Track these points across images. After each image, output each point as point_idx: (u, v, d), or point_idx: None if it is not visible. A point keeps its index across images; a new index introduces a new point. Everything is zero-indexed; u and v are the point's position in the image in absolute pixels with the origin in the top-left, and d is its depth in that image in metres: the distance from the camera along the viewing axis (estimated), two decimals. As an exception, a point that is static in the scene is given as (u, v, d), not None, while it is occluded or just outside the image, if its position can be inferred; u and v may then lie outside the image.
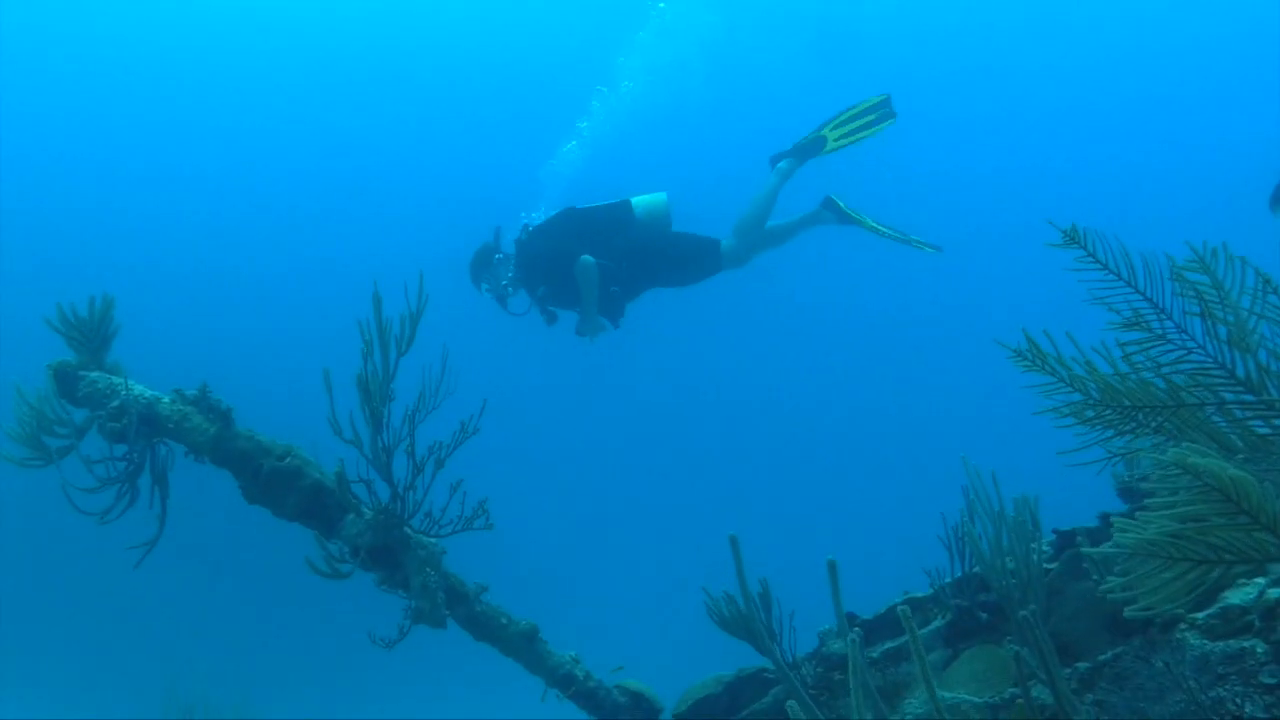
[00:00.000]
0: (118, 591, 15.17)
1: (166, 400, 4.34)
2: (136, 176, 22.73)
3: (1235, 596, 3.03)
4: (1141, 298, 2.06)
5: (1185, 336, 2.04)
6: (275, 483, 4.19)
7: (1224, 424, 2.01)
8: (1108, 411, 2.06)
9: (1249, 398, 1.92)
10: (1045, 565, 3.58)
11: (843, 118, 7.41)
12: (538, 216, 7.19)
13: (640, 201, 7.14)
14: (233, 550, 15.97)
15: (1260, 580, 3.02)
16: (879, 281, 25.11)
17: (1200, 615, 3.09)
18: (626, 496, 23.55)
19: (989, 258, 23.34)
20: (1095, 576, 3.33)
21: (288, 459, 4.22)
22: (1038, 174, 23.49)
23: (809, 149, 7.39)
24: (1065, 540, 3.82)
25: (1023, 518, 3.35)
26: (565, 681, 4.74)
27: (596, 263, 6.78)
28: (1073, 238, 2.05)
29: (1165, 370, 2.03)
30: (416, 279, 4.63)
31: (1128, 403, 1.99)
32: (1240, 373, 1.94)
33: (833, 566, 2.54)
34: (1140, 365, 2.05)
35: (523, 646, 4.66)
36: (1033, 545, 3.42)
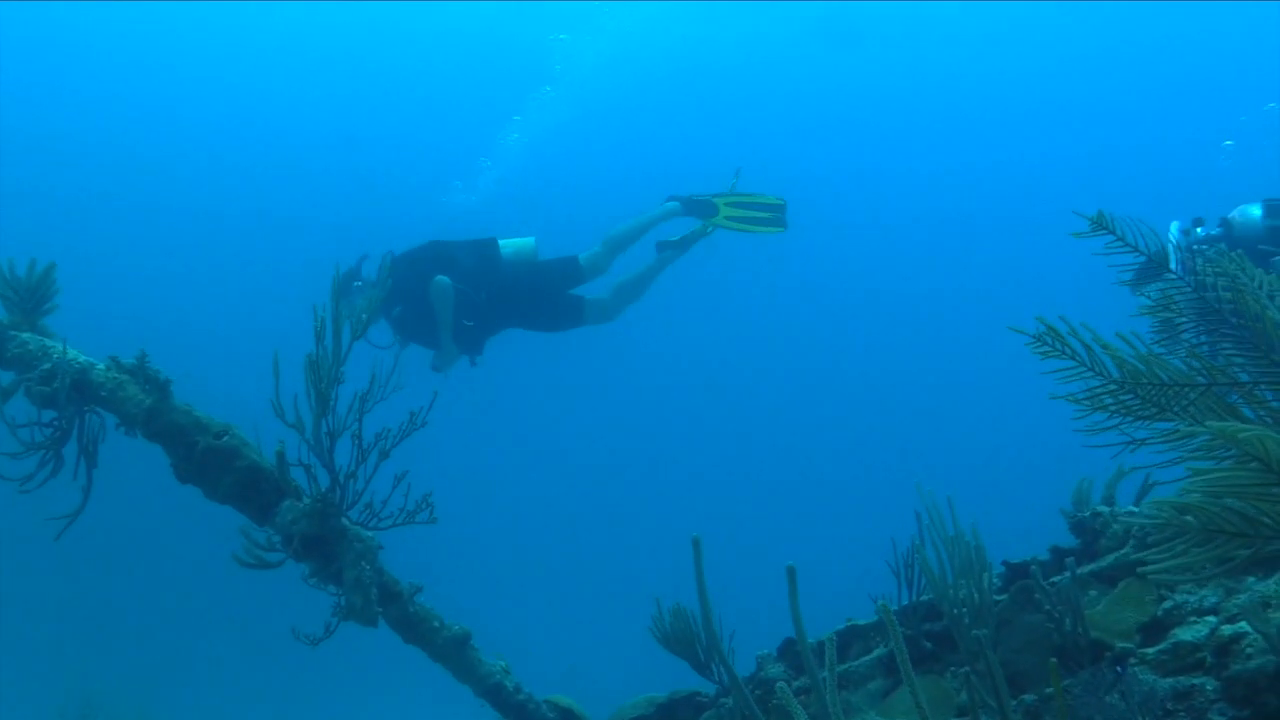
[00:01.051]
0: (16, 587, 14.61)
1: (101, 367, 4.16)
2: (83, 149, 22.20)
3: (1186, 633, 3.01)
4: (1175, 277, 2.02)
5: (1218, 318, 2.01)
6: (210, 461, 4.02)
7: (1250, 412, 1.98)
8: (1127, 396, 2.02)
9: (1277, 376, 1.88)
10: (994, 596, 3.54)
11: (742, 199, 7.49)
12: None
13: (508, 243, 7.14)
14: (144, 543, 15.50)
15: (1212, 618, 3.00)
16: (844, 294, 25.34)
17: (1151, 650, 3.06)
18: (584, 501, 23.31)
19: (966, 271, 23.64)
20: (1047, 607, 3.30)
21: (225, 437, 4.06)
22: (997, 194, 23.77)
23: (700, 208, 7.44)
24: (1015, 572, 3.80)
25: (976, 544, 3.31)
26: (494, 691, 4.60)
27: (454, 287, 6.69)
28: (1100, 223, 2.02)
29: (1197, 349, 2.00)
30: (381, 265, 4.51)
31: (1161, 378, 1.95)
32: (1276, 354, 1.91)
33: (791, 573, 2.46)
34: (1170, 348, 2.02)
35: (453, 652, 4.52)
36: (984, 574, 3.38)
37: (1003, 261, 24.09)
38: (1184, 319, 2.13)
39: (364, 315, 4.17)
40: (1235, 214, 5.42)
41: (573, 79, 20.34)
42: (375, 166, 23.93)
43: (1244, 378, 1.90)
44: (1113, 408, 2.09)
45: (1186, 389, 1.94)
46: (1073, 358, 2.10)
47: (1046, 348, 2.13)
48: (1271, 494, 1.49)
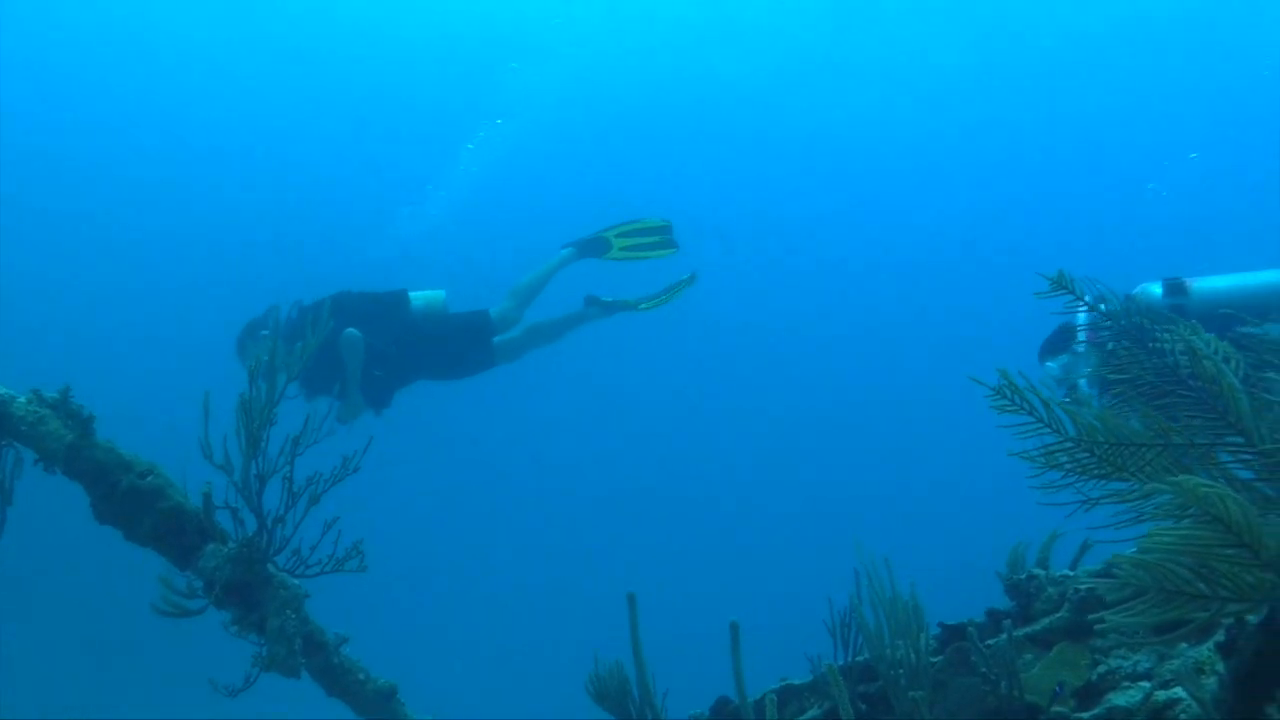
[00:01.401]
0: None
1: (22, 400, 4.01)
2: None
3: (1120, 698, 3.02)
4: (1132, 341, 2.04)
5: (1175, 378, 2.02)
6: (132, 501, 3.88)
7: (1205, 475, 1.98)
8: (1083, 455, 2.02)
9: (1238, 439, 1.90)
10: (931, 658, 3.53)
11: (630, 228, 7.65)
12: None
13: (419, 295, 7.17)
14: (58, 583, 14.95)
15: (1146, 684, 3.01)
16: (786, 343, 25.38)
17: (1085, 715, 3.06)
18: (526, 549, 22.92)
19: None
20: (983, 669, 3.29)
21: (149, 477, 3.93)
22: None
23: (593, 247, 7.60)
24: (951, 634, 3.78)
25: (914, 605, 3.30)
26: (418, 747, 4.47)
27: (364, 340, 6.68)
28: (1060, 284, 2.03)
29: (1151, 408, 2.01)
30: (320, 307, 4.42)
31: (1119, 436, 1.96)
32: (1230, 416, 1.92)
33: (735, 629, 2.42)
34: (1126, 407, 2.03)
35: (378, 705, 4.38)
36: (921, 635, 3.36)
37: (938, 312, 24.34)
38: (1143, 380, 2.14)
39: (301, 358, 4.09)
40: (1138, 291, 5.58)
41: (525, 108, 20.45)
42: (319, 196, 23.52)
43: (1201, 439, 1.92)
44: (1068, 466, 2.10)
45: (1144, 448, 1.95)
46: (1031, 413, 2.11)
47: (1005, 401, 2.14)
48: (1230, 556, 1.49)
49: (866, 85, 20.90)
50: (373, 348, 6.74)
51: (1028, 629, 3.70)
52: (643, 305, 7.54)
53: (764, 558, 21.99)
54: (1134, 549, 1.75)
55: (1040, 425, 2.11)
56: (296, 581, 4.02)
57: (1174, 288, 5.42)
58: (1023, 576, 3.91)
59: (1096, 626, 1.78)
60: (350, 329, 6.66)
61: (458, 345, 7.14)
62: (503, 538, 23.12)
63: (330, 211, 23.07)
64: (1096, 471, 2.06)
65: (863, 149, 22.77)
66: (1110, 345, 5.64)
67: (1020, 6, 19.43)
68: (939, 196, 23.64)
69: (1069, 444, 2.05)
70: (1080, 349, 5.63)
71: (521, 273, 7.52)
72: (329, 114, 22.63)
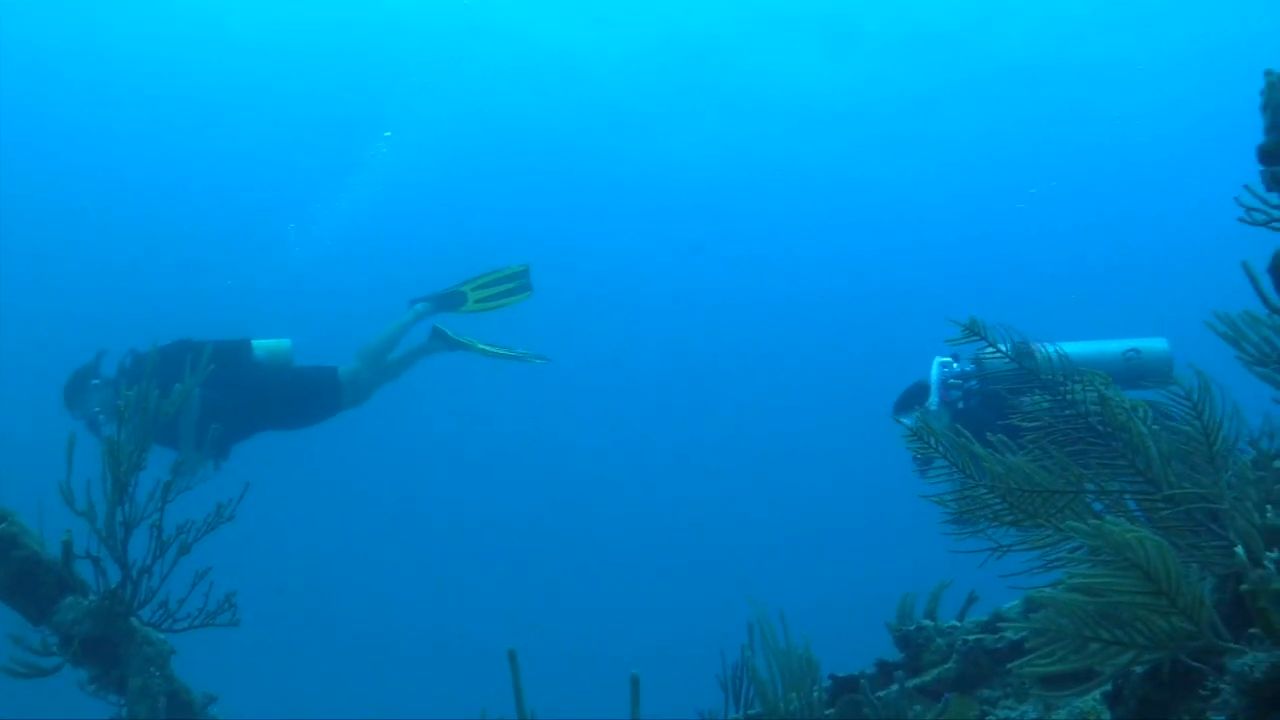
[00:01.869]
0: None
1: None
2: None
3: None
4: (1043, 388, 2.05)
5: (1085, 427, 2.04)
6: (-18, 551, 3.61)
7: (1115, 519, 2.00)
8: (995, 501, 2.02)
9: (1148, 489, 1.91)
10: (824, 710, 3.50)
11: (485, 280, 7.65)
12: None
13: (262, 344, 6.99)
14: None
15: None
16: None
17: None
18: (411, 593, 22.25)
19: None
20: (875, 721, 3.27)
21: (3, 524, 3.66)
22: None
23: (448, 301, 7.57)
24: (842, 686, 3.77)
25: (807, 657, 3.27)
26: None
27: (201, 394, 6.45)
28: (973, 330, 2.04)
29: (1059, 456, 2.02)
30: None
31: (1033, 483, 1.95)
32: (1140, 463, 1.94)
33: (635, 683, 2.35)
34: (1039, 453, 2.03)
35: (248, 769, 4.14)
36: (814, 687, 3.33)
37: (837, 353, 24.53)
38: (1055, 428, 2.16)
39: (177, 402, 3.91)
40: (987, 352, 5.75)
41: (415, 127, 20.35)
42: (202, 215, 22.61)
43: (1113, 486, 1.94)
44: (981, 513, 2.10)
45: (1056, 495, 1.96)
46: (944, 456, 2.11)
47: (920, 444, 2.13)
48: (1146, 602, 1.48)
49: (751, 110, 21.05)
50: (209, 400, 6.47)
51: (917, 680, 3.71)
52: (486, 350, 7.50)
53: (652, 611, 21.82)
54: (1047, 594, 1.74)
55: (954, 469, 2.11)
56: (162, 636, 3.79)
57: (1020, 351, 5.63)
58: (912, 628, 3.93)
59: (1012, 670, 1.77)
60: (179, 385, 6.36)
61: (301, 400, 6.92)
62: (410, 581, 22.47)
63: (215, 230, 22.34)
64: (1008, 518, 2.07)
65: (754, 177, 22.88)
66: (961, 405, 5.82)
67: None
68: (824, 232, 23.93)
69: (982, 489, 2.05)
70: (933, 406, 5.79)
71: (371, 331, 7.36)
72: (209, 130, 21.70)
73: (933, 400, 5.78)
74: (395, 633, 21.58)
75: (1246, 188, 1.98)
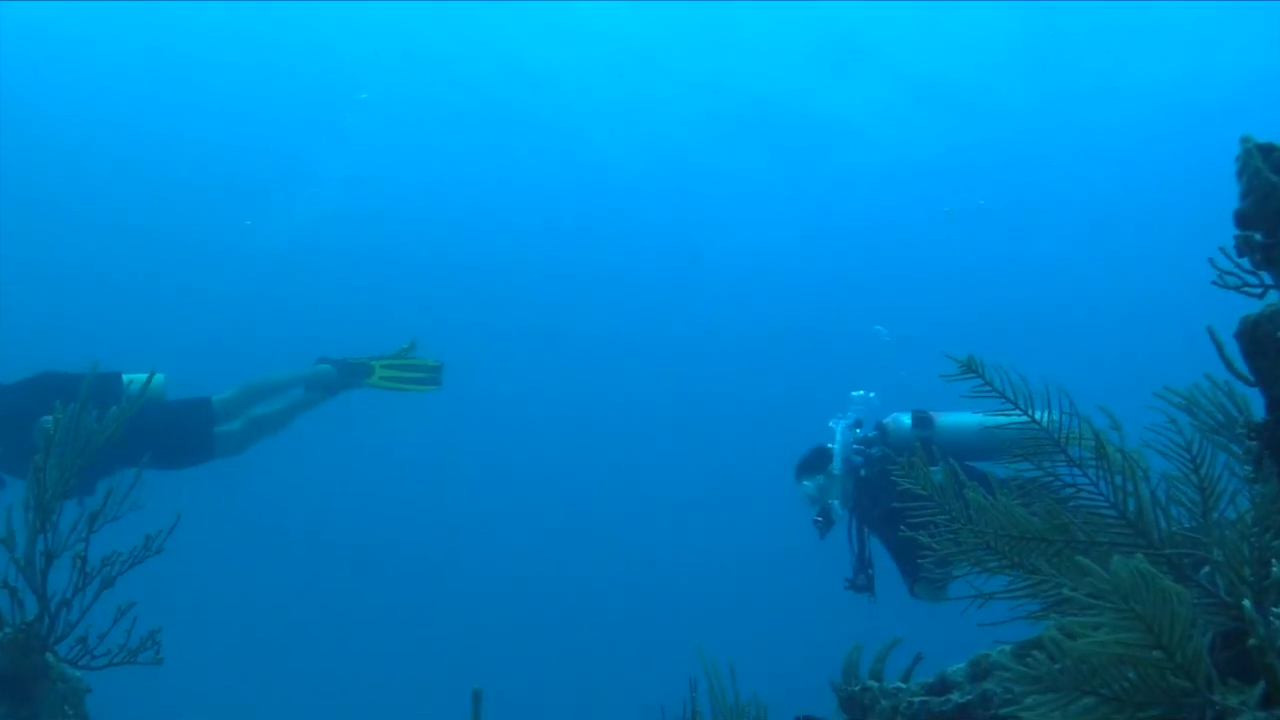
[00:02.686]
0: None
1: None
2: None
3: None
4: (1037, 429, 2.02)
5: (1076, 472, 2.01)
6: (-111, 577, 3.41)
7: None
8: (980, 549, 1.98)
9: (1137, 541, 1.89)
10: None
11: (397, 361, 7.61)
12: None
13: (132, 378, 6.66)
14: None
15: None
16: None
17: (922, 834, 3.00)
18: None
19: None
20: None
21: (-85, 550, 3.47)
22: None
23: (353, 371, 7.45)
24: (787, 744, 3.70)
25: (757, 715, 3.21)
26: None
27: None
28: (970, 368, 2.01)
29: (1043, 505, 1.99)
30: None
31: (1023, 530, 1.92)
32: (1131, 511, 1.91)
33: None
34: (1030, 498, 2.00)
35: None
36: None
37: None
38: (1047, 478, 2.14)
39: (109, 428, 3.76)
40: (889, 420, 5.92)
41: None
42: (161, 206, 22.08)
43: (1102, 538, 1.92)
44: (964, 559, 2.06)
45: (1044, 543, 1.94)
46: (933, 498, 2.08)
47: (907, 477, 2.10)
48: (1153, 658, 1.45)
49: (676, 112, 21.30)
50: None
51: (861, 742, 3.65)
52: (370, 382, 7.46)
53: (592, 660, 21.41)
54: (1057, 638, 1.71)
55: (941, 513, 2.08)
56: (79, 673, 3.60)
57: (921, 421, 5.77)
58: (856, 689, 3.88)
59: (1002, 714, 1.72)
60: (47, 418, 6.13)
61: (173, 435, 6.59)
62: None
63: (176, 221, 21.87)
64: (992, 565, 2.04)
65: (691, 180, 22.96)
66: (863, 472, 5.85)
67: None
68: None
69: (971, 536, 2.02)
70: (836, 471, 5.85)
71: (268, 370, 7.23)
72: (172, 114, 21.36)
73: (835, 466, 5.83)
74: (353, 657, 21.03)
75: (1221, 250, 2.00)
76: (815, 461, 5.94)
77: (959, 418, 5.65)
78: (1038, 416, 2.14)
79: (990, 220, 21.53)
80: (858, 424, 6.01)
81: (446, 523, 23.99)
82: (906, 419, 5.77)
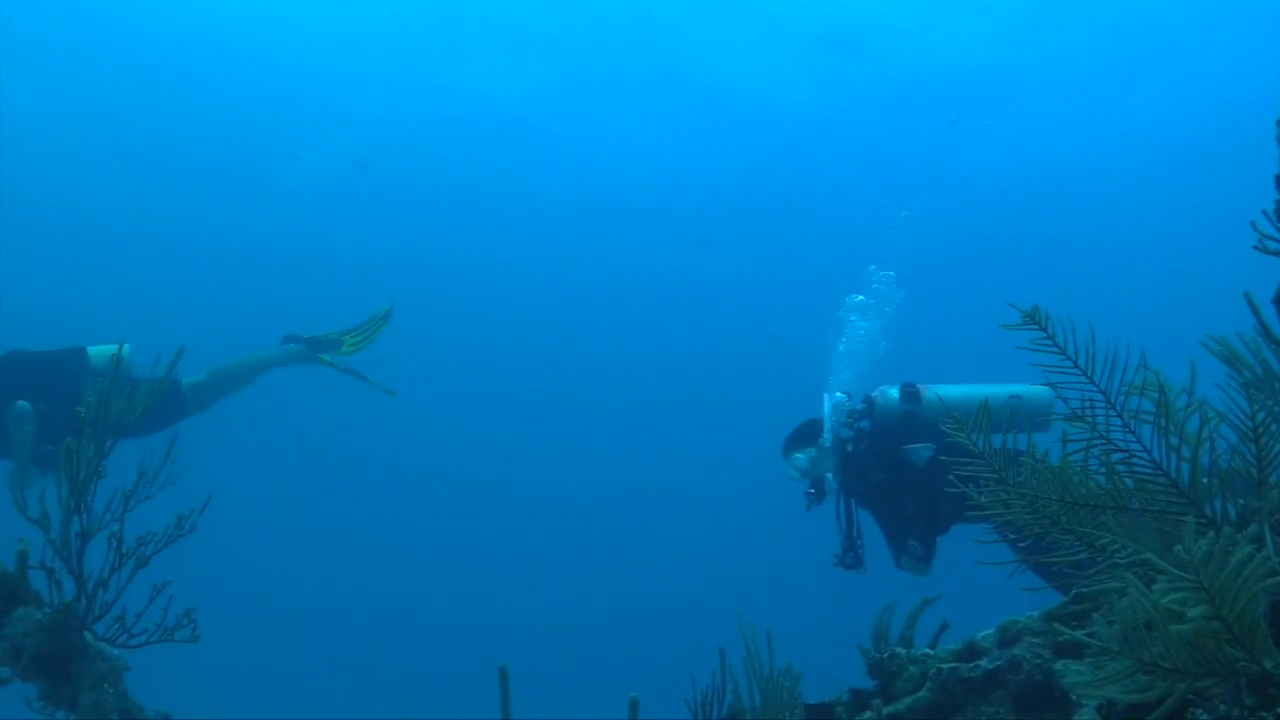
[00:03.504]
0: None
1: None
2: None
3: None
4: (1096, 390, 2.02)
5: (1132, 438, 2.01)
6: (-72, 560, 3.45)
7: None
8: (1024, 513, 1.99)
9: (1186, 510, 1.90)
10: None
11: (361, 330, 7.81)
12: None
13: (97, 351, 6.76)
14: None
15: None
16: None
17: (957, 797, 3.05)
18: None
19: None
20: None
21: (-49, 532, 3.50)
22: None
23: (323, 346, 7.64)
24: (816, 713, 3.74)
25: (792, 685, 3.24)
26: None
27: (34, 410, 6.26)
28: (1033, 319, 2.00)
29: (1100, 469, 1.99)
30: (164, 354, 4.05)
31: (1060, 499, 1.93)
32: (1185, 484, 1.92)
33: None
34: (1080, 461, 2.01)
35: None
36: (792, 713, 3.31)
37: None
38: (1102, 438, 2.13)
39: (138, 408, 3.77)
40: (877, 394, 5.96)
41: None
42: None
43: (1155, 506, 1.93)
44: (1023, 522, 2.07)
45: (1101, 511, 1.94)
46: (985, 459, 2.09)
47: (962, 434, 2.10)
48: (1211, 630, 1.46)
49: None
50: (44, 416, 6.23)
51: (890, 708, 3.69)
52: (337, 366, 7.63)
53: (621, 628, 21.41)
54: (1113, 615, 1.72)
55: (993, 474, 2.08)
56: (117, 652, 3.64)
57: (908, 395, 5.81)
58: (885, 655, 3.92)
59: (1067, 686, 1.74)
60: (20, 402, 6.18)
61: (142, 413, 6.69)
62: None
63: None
64: (1040, 529, 2.04)
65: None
66: (850, 447, 5.91)
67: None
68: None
69: (1020, 500, 2.02)
70: (827, 444, 5.89)
71: (236, 354, 7.31)
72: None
73: (826, 437, 5.88)
74: (374, 637, 21.17)
75: (1264, 212, 2.00)
76: (805, 433, 5.99)
77: (947, 389, 5.71)
78: (1092, 376, 2.12)
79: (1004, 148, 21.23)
80: (848, 396, 6.05)
81: (472, 501, 24.04)
82: (894, 393, 5.80)
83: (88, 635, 3.58)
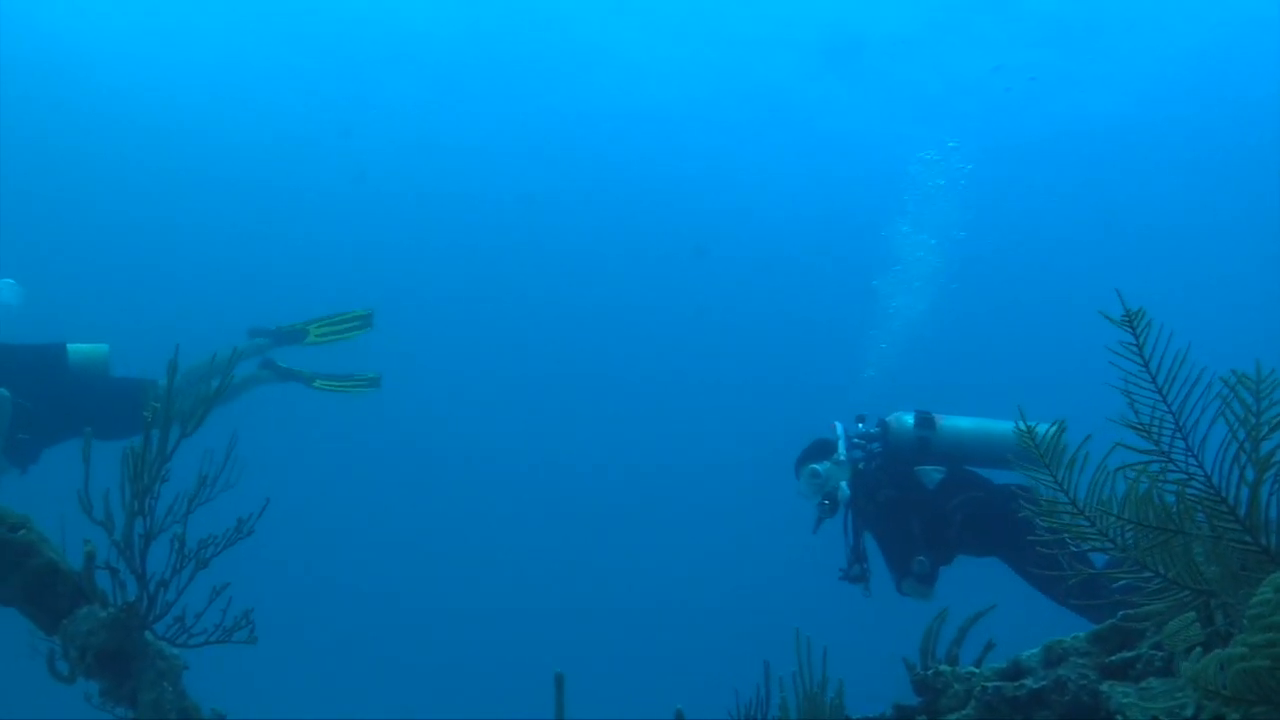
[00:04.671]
0: None
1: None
2: None
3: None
4: (1166, 409, 2.03)
5: (1194, 461, 2.02)
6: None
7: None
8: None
9: (1245, 539, 1.91)
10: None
11: (329, 321, 7.85)
12: None
13: (77, 349, 6.92)
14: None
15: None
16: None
17: (1003, 816, 3.06)
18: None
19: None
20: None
21: (21, 531, 3.61)
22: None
23: (289, 336, 7.70)
24: (860, 729, 3.76)
25: (836, 701, 3.26)
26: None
27: (12, 400, 6.38)
28: (1130, 322, 1.99)
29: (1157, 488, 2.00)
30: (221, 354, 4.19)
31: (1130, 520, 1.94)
32: (1243, 512, 1.93)
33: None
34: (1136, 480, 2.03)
35: (249, 789, 4.08)
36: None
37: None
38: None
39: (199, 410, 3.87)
40: (891, 419, 6.04)
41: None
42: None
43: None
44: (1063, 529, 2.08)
45: (1170, 535, 1.95)
46: (1050, 472, 2.10)
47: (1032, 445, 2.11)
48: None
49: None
50: (21, 408, 6.37)
51: (935, 725, 3.70)
52: (317, 383, 7.67)
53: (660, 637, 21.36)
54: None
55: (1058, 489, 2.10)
56: (176, 652, 3.74)
57: (923, 421, 5.87)
58: (929, 672, 3.92)
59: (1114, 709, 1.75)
60: (0, 389, 6.32)
61: (115, 410, 6.65)
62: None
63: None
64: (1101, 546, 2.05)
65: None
66: (862, 465, 5.98)
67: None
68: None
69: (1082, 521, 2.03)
70: (841, 459, 5.96)
71: (204, 354, 7.29)
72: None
73: (840, 453, 5.95)
74: (403, 641, 21.32)
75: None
76: (818, 450, 6.10)
77: (962, 421, 5.79)
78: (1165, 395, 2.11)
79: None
80: (860, 419, 6.14)
81: (497, 510, 24.10)
82: (909, 418, 5.89)
83: (148, 634, 3.67)
